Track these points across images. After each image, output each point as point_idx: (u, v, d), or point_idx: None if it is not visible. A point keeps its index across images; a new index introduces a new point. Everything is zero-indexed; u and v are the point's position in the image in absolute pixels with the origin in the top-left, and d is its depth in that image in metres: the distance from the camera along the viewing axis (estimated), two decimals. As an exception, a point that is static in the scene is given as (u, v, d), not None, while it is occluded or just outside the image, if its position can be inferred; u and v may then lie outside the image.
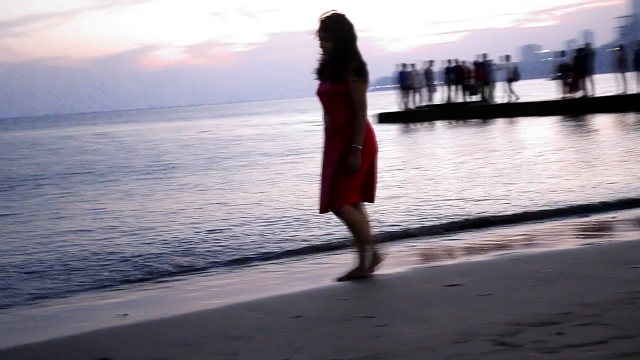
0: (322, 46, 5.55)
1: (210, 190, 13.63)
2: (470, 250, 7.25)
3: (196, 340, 4.28)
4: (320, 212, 5.68)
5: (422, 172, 14.08)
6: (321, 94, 5.60)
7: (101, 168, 20.90)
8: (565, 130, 22.82)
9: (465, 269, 5.82)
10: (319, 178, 5.71)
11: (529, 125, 25.39)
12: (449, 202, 9.95)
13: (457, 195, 10.56)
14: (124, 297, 6.29)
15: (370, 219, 5.82)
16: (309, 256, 7.40)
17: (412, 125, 31.10)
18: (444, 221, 8.66)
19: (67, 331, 4.98)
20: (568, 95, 30.01)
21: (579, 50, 30.38)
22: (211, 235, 8.76)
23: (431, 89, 34.44)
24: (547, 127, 24.26)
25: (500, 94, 33.25)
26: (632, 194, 9.57)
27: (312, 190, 11.23)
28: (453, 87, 33.70)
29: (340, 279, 5.72)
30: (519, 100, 32.20)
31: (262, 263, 7.28)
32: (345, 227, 5.80)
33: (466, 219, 8.69)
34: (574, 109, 28.44)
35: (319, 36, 5.53)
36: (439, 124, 30.69)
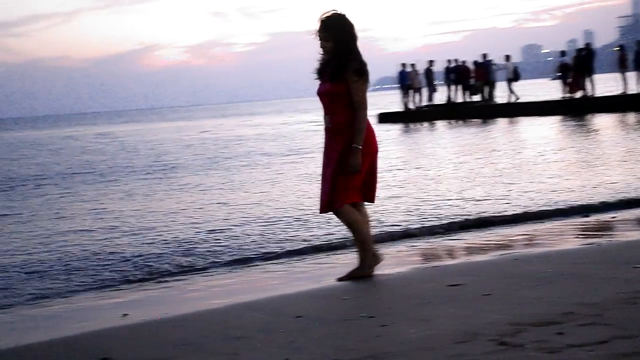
0: (322, 46, 5.55)
1: (211, 190, 13.63)
2: (471, 250, 7.25)
3: (197, 340, 4.28)
4: (321, 212, 5.68)
5: (423, 172, 14.08)
6: (321, 93, 5.60)
7: (102, 168, 20.91)
8: (566, 130, 22.81)
9: (466, 269, 5.82)
10: (319, 178, 5.71)
11: (529, 125, 25.38)
12: (450, 202, 9.95)
13: (458, 195, 10.55)
14: (125, 297, 6.29)
15: (370, 219, 5.81)
16: (310, 256, 7.40)
17: (413, 125, 31.09)
18: (445, 221, 8.66)
19: (67, 331, 4.98)
20: (569, 95, 30.00)
21: (580, 50, 30.37)
22: (212, 235, 8.76)
23: (432, 89, 34.42)
24: (547, 127, 24.25)
25: (501, 94, 33.24)
26: (633, 194, 9.56)
27: (313, 190, 11.23)
28: (454, 87, 33.68)
29: (340, 279, 5.72)
30: (519, 100, 32.19)
31: (262, 263, 7.28)
32: (344, 227, 5.80)
33: (467, 219, 8.69)
34: (575, 109, 28.43)
35: (319, 36, 5.53)
36: (439, 124, 30.68)
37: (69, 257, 8.06)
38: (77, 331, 4.93)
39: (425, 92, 34.17)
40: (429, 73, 33.87)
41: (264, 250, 7.75)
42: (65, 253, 8.29)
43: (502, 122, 28.31)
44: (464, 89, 33.49)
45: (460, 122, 30.44)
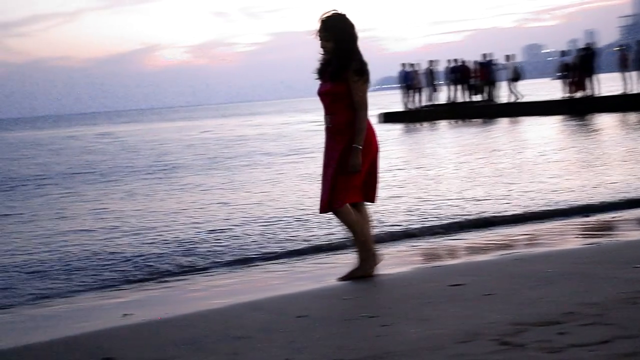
0: (322, 46, 5.55)
1: (212, 190, 13.63)
2: (472, 250, 7.24)
3: (198, 340, 4.27)
4: (321, 212, 5.67)
5: (424, 172, 14.07)
6: (322, 94, 5.59)
7: (103, 168, 20.92)
8: (568, 130, 22.81)
9: (467, 268, 5.81)
10: (320, 178, 5.71)
11: (532, 125, 25.37)
12: (451, 202, 9.94)
13: (459, 195, 10.55)
14: (126, 297, 6.29)
15: (371, 219, 5.80)
16: (311, 256, 7.40)
17: (415, 125, 31.09)
18: (446, 221, 8.65)
19: (68, 331, 4.98)
20: (570, 95, 29.98)
21: (582, 50, 30.36)
22: (213, 235, 8.76)
23: (434, 88, 34.43)
24: (550, 126, 24.24)
25: (503, 94, 33.24)
26: (635, 194, 9.55)
27: (314, 190, 11.22)
28: (455, 87, 33.70)
29: (341, 279, 5.71)
30: (522, 100, 32.18)
31: (263, 263, 7.28)
32: (343, 227, 5.78)
33: (468, 219, 8.68)
34: (577, 109, 28.42)
35: (320, 36, 5.53)
36: (442, 123, 30.69)
37: (70, 257, 8.07)
38: (78, 331, 4.92)
39: (426, 92, 34.18)
40: (430, 73, 33.88)
41: (264, 250, 7.75)
42: (66, 253, 8.29)
43: (503, 122, 28.30)
44: (467, 89, 33.51)
45: (462, 122, 30.43)
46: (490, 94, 33.15)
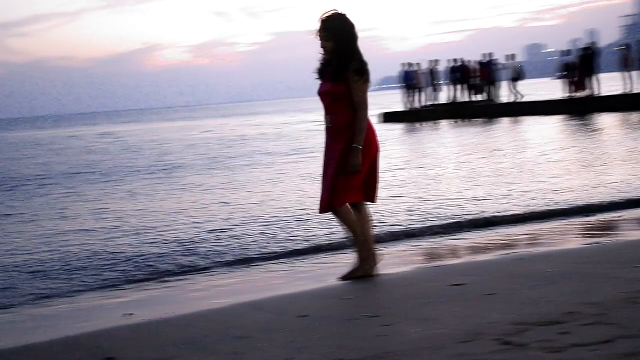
0: (323, 46, 5.54)
1: (214, 190, 13.63)
2: (474, 250, 7.23)
3: (199, 340, 4.27)
4: (321, 212, 5.67)
5: (426, 172, 14.06)
6: (322, 94, 5.59)
7: (105, 168, 20.93)
8: (569, 130, 22.79)
9: (469, 268, 5.81)
10: (320, 178, 5.70)
11: (533, 125, 25.35)
12: (453, 202, 9.93)
13: (461, 195, 10.54)
14: (128, 297, 6.29)
15: (371, 219, 5.79)
16: (312, 256, 7.39)
17: (417, 125, 31.09)
18: (448, 221, 8.64)
19: (70, 331, 4.98)
20: (573, 94, 29.97)
21: (584, 50, 30.34)
22: (214, 235, 8.76)
23: (436, 88, 34.44)
24: (552, 126, 24.22)
25: (504, 94, 33.23)
26: (635, 194, 9.53)
27: (315, 190, 11.22)
28: (458, 87, 33.70)
29: (342, 279, 5.71)
30: (523, 100, 32.16)
31: (265, 263, 7.27)
32: (343, 227, 5.76)
33: (470, 219, 8.67)
34: (579, 109, 28.39)
35: (320, 36, 5.52)
36: (443, 123, 30.68)
37: (71, 257, 8.06)
38: (79, 331, 4.92)
39: (428, 91, 34.18)
40: (431, 73, 33.88)
41: (265, 250, 7.74)
42: (67, 253, 8.29)
43: (505, 122, 28.29)
44: (468, 89, 33.51)
45: (465, 121, 30.42)
46: (491, 94, 33.15)
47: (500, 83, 33.15)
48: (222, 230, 9.00)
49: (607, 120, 24.05)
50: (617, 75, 30.46)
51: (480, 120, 30.24)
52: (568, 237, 7.39)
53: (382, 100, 59.19)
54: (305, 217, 9.38)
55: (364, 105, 5.47)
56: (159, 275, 7.01)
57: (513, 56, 33.09)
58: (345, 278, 5.70)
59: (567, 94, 30.29)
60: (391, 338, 3.94)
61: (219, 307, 5.24)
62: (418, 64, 33.90)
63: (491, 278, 5.23)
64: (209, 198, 12.50)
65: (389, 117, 34.52)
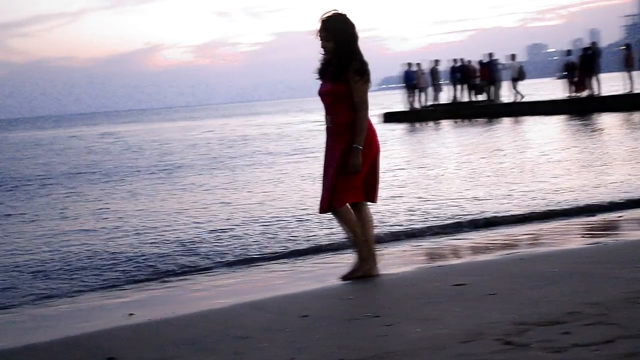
0: (323, 46, 5.54)
1: (215, 190, 13.62)
2: (476, 249, 7.23)
3: (201, 340, 4.26)
4: (321, 212, 5.67)
5: (427, 172, 14.06)
6: (323, 94, 5.59)
7: (106, 168, 20.93)
8: (570, 130, 22.77)
9: (471, 268, 5.80)
10: (321, 178, 5.70)
11: (534, 125, 25.34)
12: (454, 202, 9.92)
13: (462, 195, 10.53)
14: (129, 297, 6.29)
15: (372, 218, 5.78)
16: (314, 256, 7.38)
17: (417, 125, 31.09)
18: (449, 221, 8.63)
19: (71, 331, 4.97)
20: (574, 94, 29.95)
21: (585, 49, 30.31)
22: (215, 235, 8.75)
23: (437, 88, 34.40)
24: (552, 126, 24.21)
25: (506, 94, 33.21)
26: (637, 194, 9.52)
27: (316, 190, 11.22)
28: (459, 87, 33.67)
29: (343, 278, 5.70)
30: (524, 100, 32.14)
31: (266, 263, 7.27)
32: (342, 227, 5.75)
33: (471, 219, 8.66)
34: (580, 108, 28.37)
35: (320, 36, 5.52)
36: (444, 123, 30.66)
37: (72, 257, 8.06)
38: (80, 331, 4.92)
39: (430, 91, 34.15)
40: (434, 72, 33.85)
41: (266, 250, 7.74)
42: (68, 253, 8.29)
43: (507, 122, 28.27)
44: (469, 89, 33.48)
45: (465, 121, 30.41)
46: (492, 94, 33.12)
47: (501, 83, 33.12)
48: (223, 230, 9.00)
49: (608, 120, 24.03)
50: (618, 75, 30.44)
51: (481, 120, 30.22)
52: (569, 237, 7.38)
53: (383, 100, 59.19)
54: (306, 217, 9.37)
55: (364, 105, 5.46)
56: (159, 275, 7.01)
57: (514, 56, 33.06)
58: (345, 278, 5.69)
59: (568, 94, 30.26)
60: (392, 338, 3.94)
61: (220, 307, 5.24)
62: (419, 64, 33.88)
63: (492, 278, 5.23)
64: (210, 198, 12.50)
65: (390, 117, 34.50)
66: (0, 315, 5.98)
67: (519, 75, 32.25)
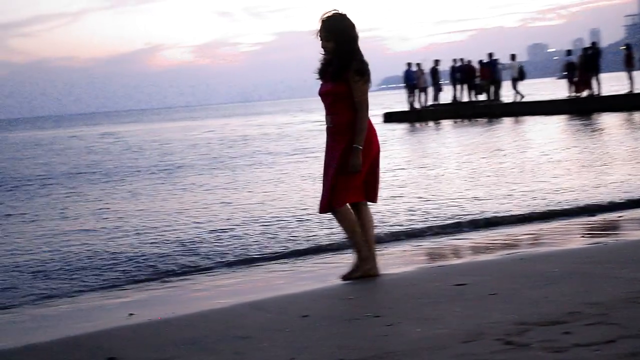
0: (323, 46, 5.54)
1: (216, 190, 13.62)
2: (477, 249, 7.22)
3: (202, 340, 4.26)
4: (320, 212, 5.66)
5: (428, 172, 14.05)
6: (323, 94, 5.58)
7: (106, 168, 20.92)
8: (572, 130, 22.75)
9: (472, 268, 5.80)
10: (321, 178, 5.69)
11: (535, 125, 25.32)
12: (455, 202, 9.92)
13: (463, 195, 10.52)
14: (129, 297, 6.28)
15: (373, 218, 5.77)
16: (315, 256, 7.38)
17: (418, 125, 31.07)
18: (450, 221, 8.62)
19: (72, 331, 4.97)
20: (575, 94, 29.94)
21: (586, 49, 30.30)
22: (216, 235, 8.75)
23: (438, 88, 34.40)
24: (554, 126, 24.20)
25: (507, 93, 33.20)
26: (638, 194, 9.51)
27: (317, 190, 11.22)
28: (459, 87, 33.66)
29: (343, 278, 5.69)
30: (524, 100, 32.13)
31: (267, 263, 7.26)
32: (341, 227, 5.74)
33: (471, 219, 8.65)
34: (581, 108, 28.36)
35: (320, 36, 5.52)
36: (445, 123, 30.66)
37: (73, 257, 8.06)
38: (80, 331, 4.92)
39: (430, 91, 34.14)
40: (434, 72, 33.84)
41: (268, 250, 7.73)
42: (68, 253, 8.29)
43: (507, 122, 28.26)
44: (470, 89, 33.46)
45: (466, 121, 30.41)
46: (494, 94, 33.11)
47: (501, 83, 33.10)
48: (223, 230, 8.99)
49: (608, 120, 24.02)
50: (619, 75, 30.43)
51: (482, 120, 30.22)
52: (569, 237, 7.38)
53: (384, 100, 59.18)
54: (307, 217, 9.37)
55: (364, 106, 5.46)
56: (160, 275, 7.01)
57: (514, 56, 33.04)
58: (345, 278, 5.69)
59: (569, 94, 30.25)
60: (392, 338, 3.93)
61: (220, 307, 5.23)
62: (420, 64, 33.87)
63: (492, 278, 5.22)
64: (211, 198, 12.50)
65: (391, 117, 34.50)
66: (0, 315, 5.98)
67: (520, 75, 32.23)
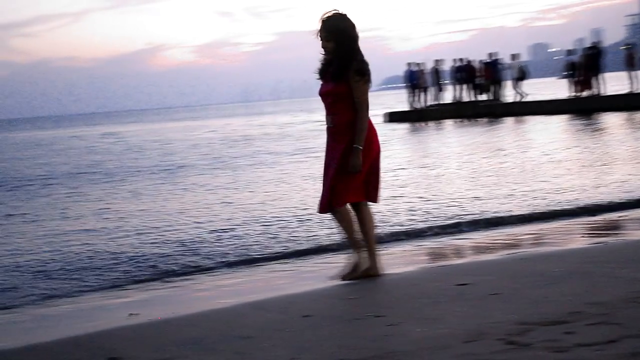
0: (323, 46, 5.53)
1: (217, 190, 13.62)
2: (479, 249, 7.21)
3: (203, 340, 4.26)
4: (320, 212, 5.65)
5: (429, 171, 14.04)
6: (323, 94, 5.58)
7: (107, 168, 20.93)
8: (573, 129, 22.73)
9: (474, 268, 5.79)
10: (322, 178, 5.68)
11: (537, 124, 25.31)
12: (457, 201, 9.91)
13: (464, 195, 10.51)
14: (130, 297, 6.28)
15: (373, 218, 5.76)
16: (316, 256, 7.37)
17: (421, 124, 31.07)
18: (451, 221, 8.61)
19: (73, 331, 4.97)
20: (577, 93, 29.92)
21: (589, 49, 30.29)
22: (218, 235, 8.74)
23: (440, 87, 34.41)
24: (555, 125, 24.19)
25: (509, 93, 33.20)
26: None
27: (318, 190, 11.20)
28: (462, 86, 33.65)
29: (343, 279, 5.68)
30: (527, 99, 32.11)
31: (269, 263, 7.25)
32: (340, 227, 5.72)
33: (473, 219, 8.64)
34: (583, 108, 28.35)
35: (321, 36, 5.51)
36: (447, 122, 30.66)
37: (75, 257, 8.05)
38: (83, 331, 4.91)
39: (432, 91, 34.15)
40: (436, 72, 33.85)
41: (270, 250, 7.73)
42: (70, 253, 8.28)
43: (509, 121, 28.26)
44: (472, 88, 33.46)
45: (467, 121, 30.40)
46: (495, 94, 33.10)
47: (504, 82, 33.10)
48: (225, 230, 8.99)
49: (611, 120, 24.01)
50: (621, 75, 30.40)
51: (484, 119, 30.21)
52: (573, 237, 7.37)
53: (385, 100, 59.23)
54: (309, 217, 9.36)
55: (364, 106, 5.45)
56: (161, 275, 7.00)
57: (516, 55, 33.04)
58: (345, 278, 5.68)
59: (572, 93, 30.24)
60: (395, 338, 3.93)
61: (221, 307, 5.23)
62: (422, 64, 33.89)
63: (494, 278, 5.21)
64: (212, 198, 12.49)
65: (393, 117, 34.50)
66: (1, 315, 5.97)
67: (522, 74, 32.23)
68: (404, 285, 5.33)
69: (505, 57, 33.54)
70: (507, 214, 8.80)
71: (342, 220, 5.58)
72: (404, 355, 3.61)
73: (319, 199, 5.64)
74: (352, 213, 5.63)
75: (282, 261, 7.27)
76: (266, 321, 4.57)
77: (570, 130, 22.77)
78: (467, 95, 33.74)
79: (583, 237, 7.35)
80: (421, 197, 10.54)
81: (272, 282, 6.40)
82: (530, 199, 9.71)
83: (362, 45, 5.54)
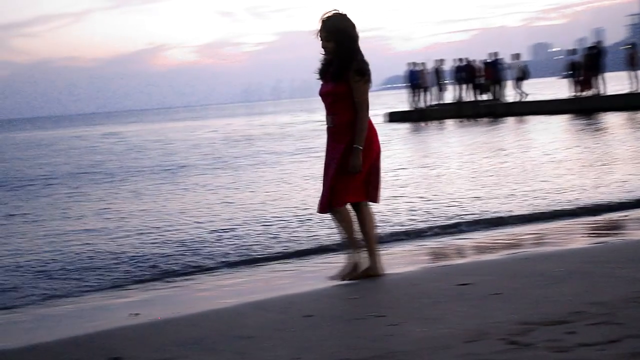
0: (323, 46, 5.53)
1: (218, 190, 13.62)
2: (480, 249, 7.20)
3: (204, 340, 4.26)
4: (320, 212, 5.65)
5: (430, 171, 14.03)
6: (324, 94, 5.57)
7: (109, 168, 20.93)
8: (575, 129, 22.72)
9: (475, 268, 5.79)
10: (322, 178, 5.68)
11: (538, 124, 25.30)
12: (458, 201, 9.91)
13: (466, 194, 10.51)
14: (132, 297, 6.28)
15: (374, 218, 5.76)
16: (317, 255, 7.37)
17: (422, 124, 31.07)
18: (452, 220, 8.61)
19: (74, 331, 4.97)
20: (579, 93, 29.91)
21: (590, 49, 30.28)
22: (220, 235, 8.74)
23: (441, 87, 34.41)
24: (556, 125, 24.18)
25: (510, 93, 33.19)
26: (642, 193, 9.50)
27: (319, 189, 11.20)
28: (463, 86, 33.64)
29: (343, 279, 5.68)
30: (528, 99, 32.10)
31: (270, 263, 7.25)
32: (340, 227, 5.71)
33: (474, 219, 8.64)
34: (585, 108, 28.34)
35: (321, 36, 5.51)
36: (448, 122, 30.66)
37: (76, 257, 8.05)
38: (84, 331, 4.91)
39: (433, 91, 34.15)
40: (438, 72, 33.85)
41: (270, 250, 7.72)
42: (72, 253, 8.28)
43: (511, 121, 28.25)
44: (473, 88, 33.45)
45: (469, 121, 30.40)
46: (496, 93, 33.09)
47: (505, 82, 33.10)
48: (226, 230, 8.99)
49: (612, 120, 24.00)
50: (623, 74, 30.38)
51: (485, 119, 30.21)
52: (574, 237, 7.36)
53: (387, 100, 59.22)
54: (309, 217, 9.36)
55: (364, 106, 5.45)
56: (162, 275, 7.00)
57: (518, 55, 33.04)
58: (345, 278, 5.68)
59: (573, 93, 30.23)
60: (396, 338, 3.92)
61: (223, 307, 5.23)
62: (423, 64, 33.88)
63: (495, 278, 5.21)
64: (213, 198, 12.49)
65: (394, 117, 34.51)
66: (2, 315, 5.97)
67: (523, 74, 32.22)
68: (405, 285, 5.32)
69: (506, 57, 33.57)
70: (508, 214, 8.80)
71: (342, 221, 5.58)
72: (404, 355, 3.61)
73: (319, 199, 5.64)
74: (352, 213, 5.64)
75: (282, 261, 7.27)
76: (267, 321, 4.57)
77: (571, 130, 22.75)
78: (468, 95, 33.73)
79: (584, 237, 7.35)
80: (422, 197, 10.54)
81: (272, 282, 6.40)
82: (530, 199, 9.71)
83: (363, 45, 5.54)
